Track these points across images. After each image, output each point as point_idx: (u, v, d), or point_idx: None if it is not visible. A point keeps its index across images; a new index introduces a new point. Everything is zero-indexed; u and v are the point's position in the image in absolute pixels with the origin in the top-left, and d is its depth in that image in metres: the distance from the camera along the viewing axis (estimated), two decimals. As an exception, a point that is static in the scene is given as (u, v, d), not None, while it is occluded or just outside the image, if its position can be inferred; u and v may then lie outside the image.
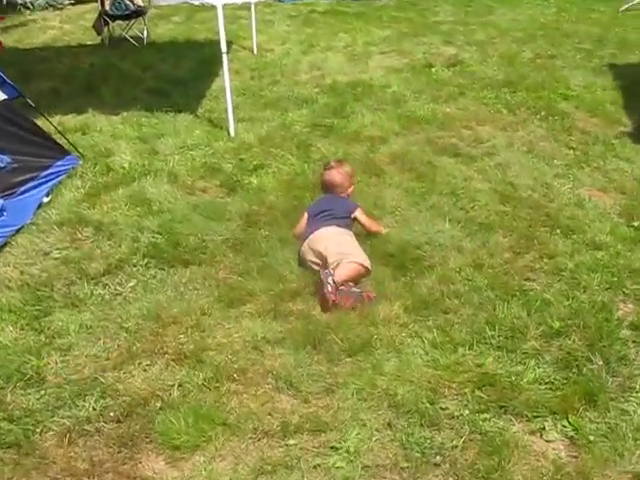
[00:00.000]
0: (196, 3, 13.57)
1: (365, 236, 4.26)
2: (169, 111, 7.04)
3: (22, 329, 3.62)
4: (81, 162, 5.81)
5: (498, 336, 3.36)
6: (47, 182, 5.42)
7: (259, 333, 3.47)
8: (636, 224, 4.47)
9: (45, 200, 5.18)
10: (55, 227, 4.73)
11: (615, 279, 3.80)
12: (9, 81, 5.45)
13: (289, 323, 3.55)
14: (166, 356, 3.34)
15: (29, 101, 5.72)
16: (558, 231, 4.36)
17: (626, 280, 3.80)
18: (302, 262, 3.99)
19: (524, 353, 3.26)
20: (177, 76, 8.22)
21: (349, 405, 2.99)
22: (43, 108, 6.98)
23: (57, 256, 4.39)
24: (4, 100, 5.31)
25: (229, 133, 6.38)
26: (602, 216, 4.56)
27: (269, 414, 2.95)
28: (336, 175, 4.38)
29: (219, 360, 3.29)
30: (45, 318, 3.70)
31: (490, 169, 5.27)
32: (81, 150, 6.03)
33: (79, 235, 4.64)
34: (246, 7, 12.84)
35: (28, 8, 13.76)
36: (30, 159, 5.33)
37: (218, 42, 10.54)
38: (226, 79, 6.26)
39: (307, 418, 2.91)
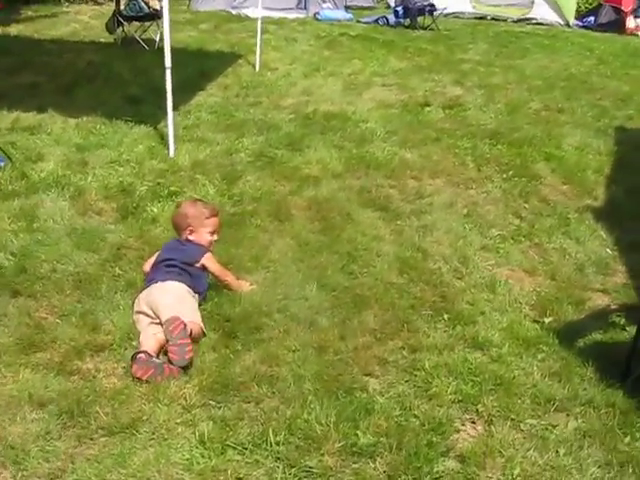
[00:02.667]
0: (233, 12, 13.30)
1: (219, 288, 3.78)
2: (130, 121, 6.65)
3: None
4: (3, 165, 5.40)
5: (286, 443, 2.74)
6: (-52, 181, 5.03)
7: (30, 390, 2.96)
8: (547, 320, 3.78)
9: (-64, 203, 4.77)
10: None
11: (474, 391, 3.13)
12: None
13: (68, 382, 3.04)
14: None
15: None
16: (444, 317, 3.73)
17: (487, 395, 3.12)
18: (134, 310, 3.53)
19: (306, 471, 2.62)
20: (162, 85, 7.82)
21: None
22: (11, 101, 6.78)
23: None
24: None
25: (168, 153, 5.89)
26: (510, 305, 3.90)
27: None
28: (174, 217, 3.93)
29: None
30: None
31: (409, 230, 4.66)
32: (15, 152, 5.72)
33: (-58, 244, 4.19)
34: (282, 21, 12.58)
35: (68, 0, 13.72)
36: None
37: (230, 54, 10.36)
38: (168, 97, 5.77)
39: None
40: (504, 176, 5.75)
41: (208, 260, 3.74)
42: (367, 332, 3.56)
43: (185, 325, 3.20)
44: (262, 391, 3.07)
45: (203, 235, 3.78)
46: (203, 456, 2.69)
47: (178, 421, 2.87)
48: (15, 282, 3.82)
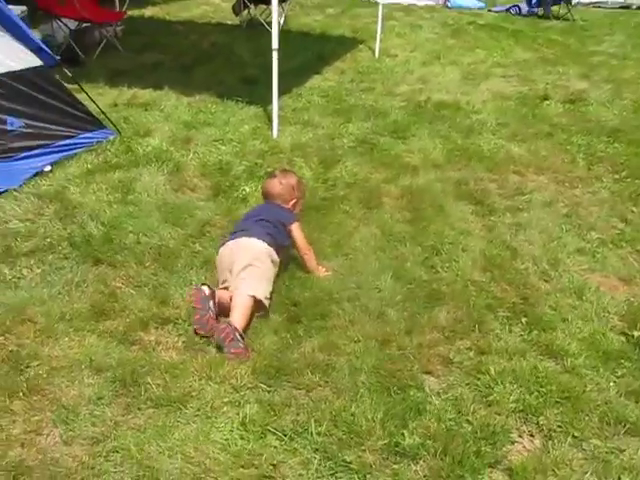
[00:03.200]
0: (362, -3, 13.23)
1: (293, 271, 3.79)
2: (240, 102, 6.76)
3: None
4: (112, 138, 5.63)
5: (327, 434, 2.69)
6: (61, 151, 5.38)
7: (92, 355, 3.07)
8: (636, 334, 3.50)
9: (47, 169, 5.09)
10: (32, 198, 4.62)
11: (537, 402, 2.95)
12: (47, 49, 5.41)
13: (128, 352, 3.12)
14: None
15: (66, 71, 5.64)
16: (521, 321, 3.53)
17: (552, 408, 2.93)
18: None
19: (344, 466, 2.56)
20: (280, 68, 7.88)
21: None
22: (132, 78, 7.06)
23: (11, 227, 4.20)
24: (39, 67, 5.27)
25: (272, 134, 5.94)
26: (596, 314, 3.64)
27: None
28: (276, 185, 3.93)
29: (27, 375, 2.98)
30: None
31: (501, 227, 4.46)
32: (126, 126, 5.93)
33: (44, 210, 4.46)
34: (411, 8, 12.41)
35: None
36: (48, 126, 5.31)
37: (351, 39, 10.31)
38: (274, 79, 5.79)
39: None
40: (616, 177, 5.38)
41: (297, 228, 3.77)
42: (436, 329, 3.42)
43: (236, 333, 3.17)
44: (315, 379, 3.01)
45: (296, 206, 3.97)
46: (242, 438, 2.67)
47: (225, 400, 2.86)
48: (99, 251, 3.95)
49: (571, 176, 5.35)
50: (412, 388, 2.98)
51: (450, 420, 2.82)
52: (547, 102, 7.32)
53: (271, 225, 3.65)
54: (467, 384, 3.06)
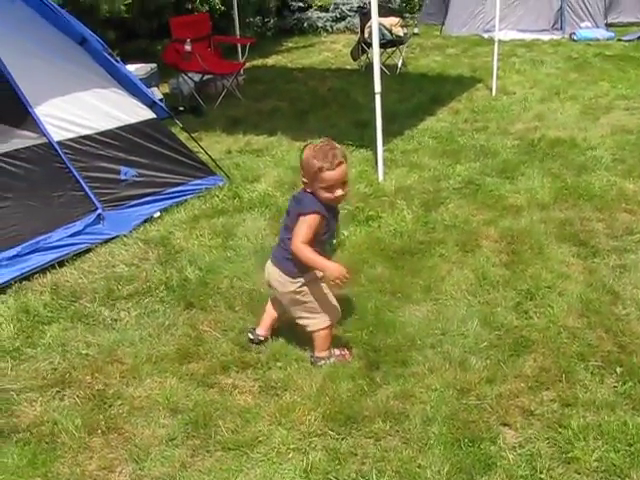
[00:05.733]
0: (485, 36, 13.15)
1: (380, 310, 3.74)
2: (352, 145, 6.87)
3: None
4: (221, 184, 5.87)
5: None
6: (171, 198, 5.62)
7: (171, 397, 3.19)
8: None
9: (156, 215, 5.34)
10: (140, 243, 4.88)
11: (623, 462, 2.76)
12: (160, 103, 5.77)
13: (206, 395, 3.22)
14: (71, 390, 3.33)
15: (177, 122, 5.97)
16: (615, 371, 3.32)
17: (638, 469, 2.73)
18: None
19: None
20: (395, 110, 8.01)
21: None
22: (248, 125, 7.37)
23: (117, 270, 4.46)
24: (151, 119, 5.60)
25: (377, 177, 5.99)
26: None
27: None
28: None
29: (108, 413, 3.15)
30: (39, 327, 3.88)
31: (604, 269, 4.23)
32: (236, 173, 6.16)
33: (148, 255, 4.69)
34: (534, 43, 12.19)
35: (327, 31, 14.49)
36: (159, 174, 5.59)
37: (469, 79, 10.24)
38: (378, 122, 5.85)
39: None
40: None
41: (303, 222, 3.01)
42: (520, 378, 3.28)
43: (320, 361, 3.35)
44: (385, 428, 2.96)
45: (318, 192, 2.99)
46: (296, 489, 2.64)
47: (292, 446, 2.87)
48: (193, 295, 4.10)
49: (690, 215, 4.99)
50: (485, 441, 2.86)
51: (522, 477, 2.69)
52: (674, 136, 6.87)
53: (284, 244, 3.17)
54: (546, 438, 2.90)
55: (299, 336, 3.57)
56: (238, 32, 10.14)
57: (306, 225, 2.99)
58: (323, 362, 3.34)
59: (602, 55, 11.10)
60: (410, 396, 3.15)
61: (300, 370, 3.35)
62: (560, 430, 2.92)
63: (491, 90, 9.11)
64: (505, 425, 2.99)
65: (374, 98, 5.80)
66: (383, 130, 5.96)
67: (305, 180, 3.02)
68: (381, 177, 6.05)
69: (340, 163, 2.92)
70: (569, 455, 2.79)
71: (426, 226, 5.03)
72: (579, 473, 2.71)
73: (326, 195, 2.97)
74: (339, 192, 2.97)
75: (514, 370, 3.33)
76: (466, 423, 2.97)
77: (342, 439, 2.91)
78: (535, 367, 3.34)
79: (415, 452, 2.81)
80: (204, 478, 2.73)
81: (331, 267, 2.98)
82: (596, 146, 6.62)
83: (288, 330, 3.64)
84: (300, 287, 3.21)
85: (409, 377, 3.28)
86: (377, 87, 5.80)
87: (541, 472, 2.71)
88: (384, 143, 6.15)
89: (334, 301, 3.32)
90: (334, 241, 3.50)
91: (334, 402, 3.12)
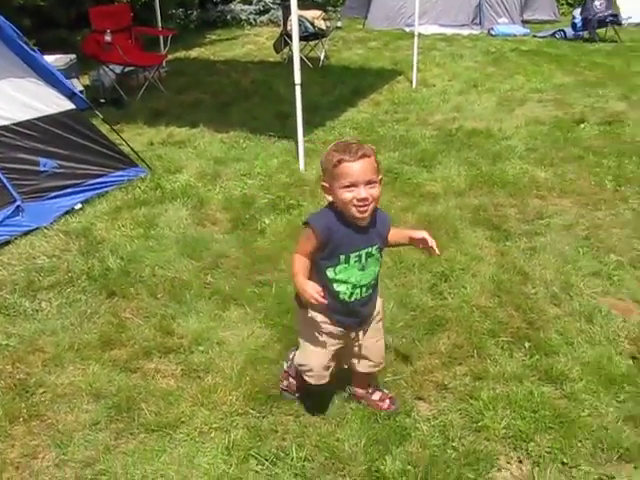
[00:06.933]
0: (407, 30, 13.38)
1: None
2: (273, 136, 6.92)
3: None
4: (143, 175, 5.84)
5: (310, 459, 2.76)
6: (92, 190, 5.56)
7: (93, 383, 3.19)
8: (646, 356, 3.42)
9: (77, 207, 5.28)
10: (61, 235, 4.83)
11: (528, 428, 2.93)
12: (80, 94, 5.70)
13: (128, 380, 3.23)
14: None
15: (98, 113, 5.91)
16: (524, 346, 3.50)
17: (543, 433, 2.91)
18: None
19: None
20: (317, 101, 8.12)
21: None
22: (170, 117, 7.33)
23: (37, 262, 4.41)
24: (71, 110, 5.52)
25: (299, 167, 6.07)
26: (605, 338, 3.58)
27: None
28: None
29: (30, 401, 3.13)
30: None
31: (515, 252, 4.44)
32: (158, 164, 6.13)
33: (70, 246, 4.65)
34: (454, 38, 12.49)
35: (250, 24, 14.48)
36: (80, 166, 5.52)
37: (390, 71, 10.43)
38: (298, 113, 5.93)
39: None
40: (644, 197, 5.26)
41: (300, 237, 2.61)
42: (434, 355, 3.42)
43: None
44: (306, 406, 3.03)
45: (338, 196, 2.47)
46: (225, 463, 2.73)
47: (214, 426, 2.94)
48: (115, 284, 4.10)
49: (595, 198, 5.28)
50: (401, 414, 2.99)
51: (435, 446, 2.82)
52: (582, 125, 7.24)
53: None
54: (458, 410, 3.05)
55: (221, 321, 3.63)
56: (160, 24, 10.05)
57: (302, 236, 2.59)
58: (286, 393, 3.11)
59: (518, 50, 11.48)
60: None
61: (222, 353, 3.41)
62: (471, 402, 3.08)
63: (411, 82, 9.32)
64: (420, 399, 3.12)
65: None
66: (304, 121, 6.06)
67: (325, 183, 2.51)
68: (302, 167, 6.14)
69: (364, 156, 2.40)
70: (479, 424, 2.94)
71: (347, 214, 5.12)
72: (488, 440, 2.86)
73: (346, 196, 2.42)
74: (362, 192, 2.40)
75: (429, 348, 3.47)
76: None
77: (263, 417, 2.99)
78: (449, 344, 3.49)
79: (333, 427, 2.91)
80: (128, 460, 2.76)
81: (306, 291, 2.46)
82: (510, 136, 6.88)
83: (210, 315, 3.70)
84: (301, 317, 2.79)
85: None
86: (297, 79, 5.88)
87: (453, 440, 2.85)
88: (305, 134, 6.24)
89: (323, 363, 2.82)
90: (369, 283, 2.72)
91: (255, 383, 3.19)
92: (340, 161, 2.40)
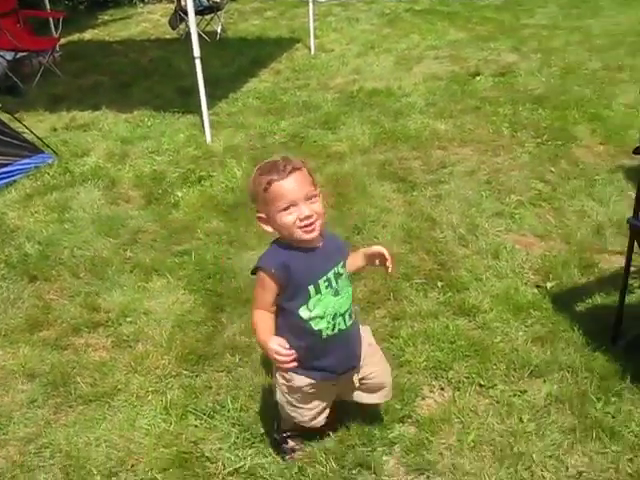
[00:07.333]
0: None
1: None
2: (177, 112, 6.91)
3: None
4: (50, 161, 5.76)
5: (245, 409, 2.90)
6: (-2, 179, 5.43)
7: (26, 364, 3.24)
8: (549, 285, 3.70)
9: (-19, 197, 5.16)
10: (-32, 226, 4.70)
11: (447, 358, 3.15)
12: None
13: (61, 357, 3.31)
14: None
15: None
16: (437, 285, 3.72)
17: (461, 361, 3.14)
18: None
19: (259, 435, 2.74)
20: (218, 75, 8.10)
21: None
22: (71, 102, 7.20)
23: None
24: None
25: (205, 140, 6.11)
26: (511, 271, 3.84)
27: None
28: None
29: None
30: None
31: (422, 200, 4.66)
32: (64, 149, 6.05)
33: (-18, 237, 4.56)
34: (349, 3, 12.62)
35: (143, 2, 14.21)
36: (-19, 156, 5.36)
37: (288, 40, 10.49)
38: (200, 86, 5.97)
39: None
40: (537, 141, 5.60)
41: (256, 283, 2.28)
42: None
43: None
44: (235, 361, 3.18)
45: (278, 223, 2.18)
46: (165, 421, 2.85)
47: (150, 389, 3.04)
48: (35, 268, 4.11)
49: (494, 145, 5.56)
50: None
51: (360, 382, 2.98)
52: (478, 78, 7.52)
53: None
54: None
55: (145, 292, 3.71)
56: (48, 6, 9.78)
57: (256, 287, 2.27)
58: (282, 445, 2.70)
59: (412, 10, 11.74)
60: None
61: (149, 322, 3.51)
62: (392, 340, 3.28)
63: (310, 49, 9.42)
64: (343, 343, 3.28)
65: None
66: (207, 94, 6.10)
67: (260, 214, 2.20)
68: (209, 139, 6.20)
69: (294, 170, 2.13)
70: (401, 359, 3.15)
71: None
72: (411, 373, 3.08)
73: (287, 220, 2.12)
74: (304, 210, 2.12)
75: (348, 296, 3.63)
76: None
77: (196, 376, 3.11)
78: (366, 291, 3.68)
79: (264, 377, 3.05)
80: (69, 430, 2.84)
81: (271, 349, 2.14)
82: (410, 93, 7.10)
83: (134, 288, 3.77)
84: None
85: (254, 314, 3.50)
86: (196, 51, 5.93)
87: (377, 376, 3.02)
88: (209, 107, 6.29)
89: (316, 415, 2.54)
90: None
91: (185, 345, 3.31)
92: (270, 183, 2.11)
